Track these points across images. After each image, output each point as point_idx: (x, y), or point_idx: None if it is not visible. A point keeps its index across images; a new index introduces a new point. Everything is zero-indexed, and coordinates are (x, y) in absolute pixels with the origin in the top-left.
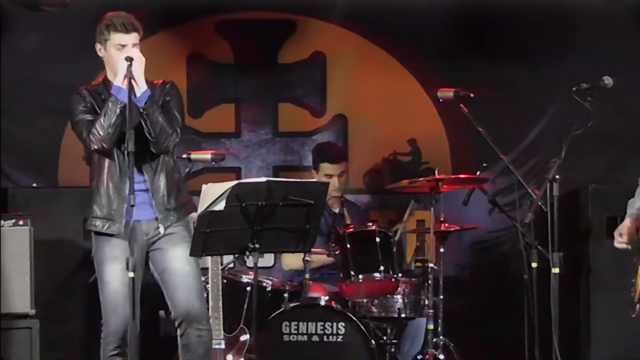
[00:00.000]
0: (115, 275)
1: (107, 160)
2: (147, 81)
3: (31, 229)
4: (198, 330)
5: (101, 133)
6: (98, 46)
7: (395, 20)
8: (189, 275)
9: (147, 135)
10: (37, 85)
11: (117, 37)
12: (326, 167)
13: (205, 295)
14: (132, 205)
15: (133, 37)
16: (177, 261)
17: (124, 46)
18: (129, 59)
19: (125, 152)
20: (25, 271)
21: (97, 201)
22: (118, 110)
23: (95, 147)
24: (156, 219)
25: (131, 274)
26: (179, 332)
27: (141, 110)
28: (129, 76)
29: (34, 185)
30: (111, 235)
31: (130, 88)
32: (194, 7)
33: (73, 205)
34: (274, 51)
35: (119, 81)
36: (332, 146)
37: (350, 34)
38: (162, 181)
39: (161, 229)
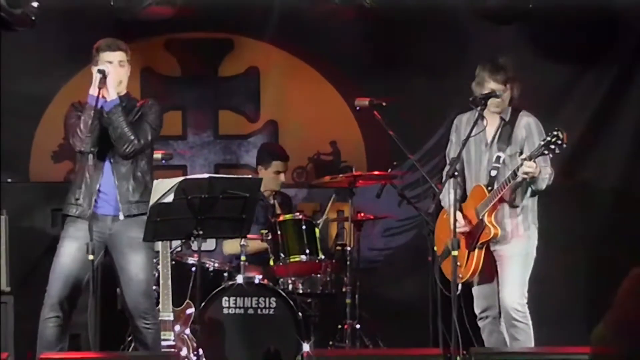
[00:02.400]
0: (68, 251)
1: (85, 158)
2: (132, 98)
3: (6, 218)
4: (146, 324)
5: (80, 136)
6: (93, 68)
7: (317, 39)
8: (142, 281)
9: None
10: (9, 93)
11: (104, 56)
12: (277, 165)
13: (155, 290)
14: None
15: (118, 55)
16: (133, 266)
17: (110, 62)
18: (101, 72)
19: (94, 153)
20: (1, 254)
21: (73, 191)
22: (92, 114)
23: (77, 148)
24: (117, 215)
25: (91, 257)
26: (130, 322)
27: (105, 115)
28: (101, 86)
29: (9, 180)
30: (77, 217)
31: (101, 97)
32: (146, 27)
33: (41, 197)
34: (215, 66)
35: (92, 90)
36: (280, 147)
37: (280, 51)
38: (130, 180)
39: (121, 216)
